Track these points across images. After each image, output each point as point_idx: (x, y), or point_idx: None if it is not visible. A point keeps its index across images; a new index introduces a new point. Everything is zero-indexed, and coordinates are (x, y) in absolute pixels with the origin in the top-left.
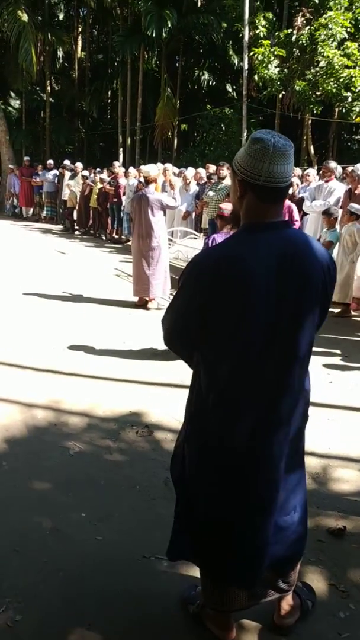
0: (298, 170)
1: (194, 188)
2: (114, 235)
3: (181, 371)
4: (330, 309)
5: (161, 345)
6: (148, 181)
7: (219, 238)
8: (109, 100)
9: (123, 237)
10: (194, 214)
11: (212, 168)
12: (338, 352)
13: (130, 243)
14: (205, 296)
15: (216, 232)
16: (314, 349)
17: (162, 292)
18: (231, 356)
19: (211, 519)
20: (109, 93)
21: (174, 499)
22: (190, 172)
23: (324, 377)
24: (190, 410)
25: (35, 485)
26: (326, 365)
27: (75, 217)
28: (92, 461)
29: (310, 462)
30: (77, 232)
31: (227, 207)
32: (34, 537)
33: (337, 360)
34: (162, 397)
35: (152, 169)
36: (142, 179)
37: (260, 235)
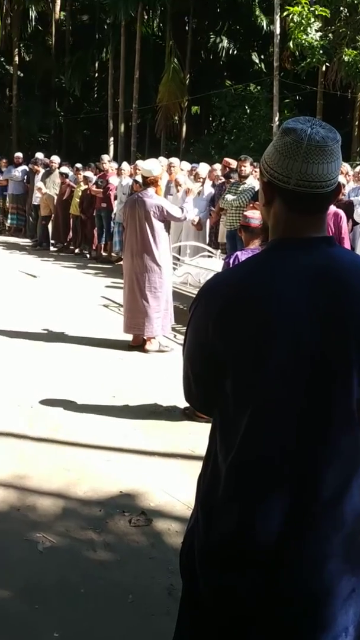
0: (347, 167)
1: (208, 190)
2: (102, 252)
3: (191, 436)
4: None
5: (164, 401)
6: (148, 182)
7: (244, 257)
8: (96, 75)
9: (113, 254)
10: (208, 224)
11: (233, 164)
12: None
13: (122, 263)
14: (215, 333)
15: (239, 248)
16: None
17: (162, 329)
18: (252, 413)
19: (227, 632)
20: (97, 65)
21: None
22: (203, 168)
23: None
24: (202, 488)
25: None
26: None
27: (50, 229)
28: (69, 560)
29: None
30: (52, 248)
31: (254, 215)
32: None
33: None
34: (165, 471)
35: (155, 167)
36: (139, 178)
37: (289, 256)
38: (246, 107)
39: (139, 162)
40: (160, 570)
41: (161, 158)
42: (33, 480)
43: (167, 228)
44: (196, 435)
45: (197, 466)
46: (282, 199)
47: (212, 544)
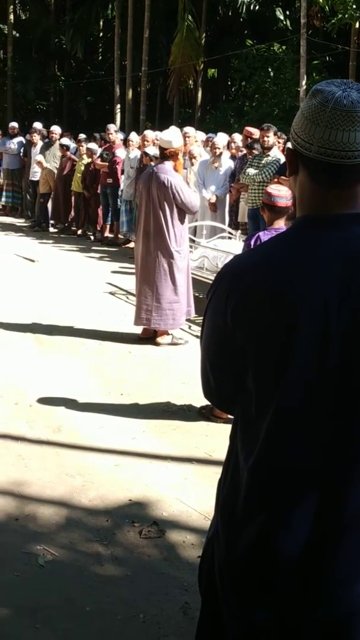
0: None
1: (227, 163)
2: (107, 233)
3: (208, 438)
4: None
5: (178, 399)
6: (166, 155)
7: (266, 238)
8: (101, 35)
9: (120, 235)
10: (227, 201)
11: (255, 133)
12: None
13: (131, 245)
14: (234, 323)
15: (261, 228)
16: None
17: (174, 321)
18: (274, 414)
19: None
20: (101, 24)
21: (195, 634)
22: (221, 139)
23: None
24: (222, 495)
25: None
26: None
27: (50, 207)
28: (73, 576)
29: None
30: (52, 229)
31: (279, 192)
32: None
33: None
34: (179, 477)
35: (176, 138)
36: (149, 150)
37: (318, 236)
38: (269, 70)
39: (153, 133)
40: (174, 586)
41: (173, 127)
42: (33, 486)
43: None
44: (214, 438)
45: (214, 472)
46: (305, 169)
47: (234, 559)
